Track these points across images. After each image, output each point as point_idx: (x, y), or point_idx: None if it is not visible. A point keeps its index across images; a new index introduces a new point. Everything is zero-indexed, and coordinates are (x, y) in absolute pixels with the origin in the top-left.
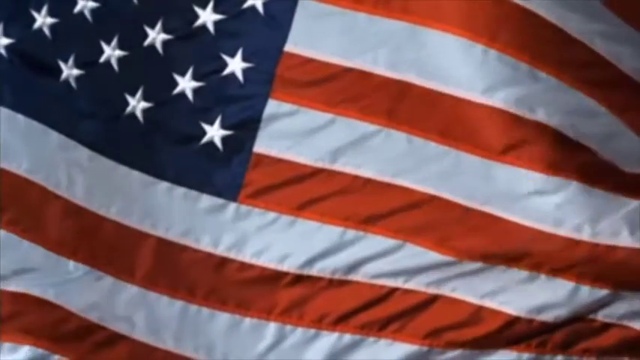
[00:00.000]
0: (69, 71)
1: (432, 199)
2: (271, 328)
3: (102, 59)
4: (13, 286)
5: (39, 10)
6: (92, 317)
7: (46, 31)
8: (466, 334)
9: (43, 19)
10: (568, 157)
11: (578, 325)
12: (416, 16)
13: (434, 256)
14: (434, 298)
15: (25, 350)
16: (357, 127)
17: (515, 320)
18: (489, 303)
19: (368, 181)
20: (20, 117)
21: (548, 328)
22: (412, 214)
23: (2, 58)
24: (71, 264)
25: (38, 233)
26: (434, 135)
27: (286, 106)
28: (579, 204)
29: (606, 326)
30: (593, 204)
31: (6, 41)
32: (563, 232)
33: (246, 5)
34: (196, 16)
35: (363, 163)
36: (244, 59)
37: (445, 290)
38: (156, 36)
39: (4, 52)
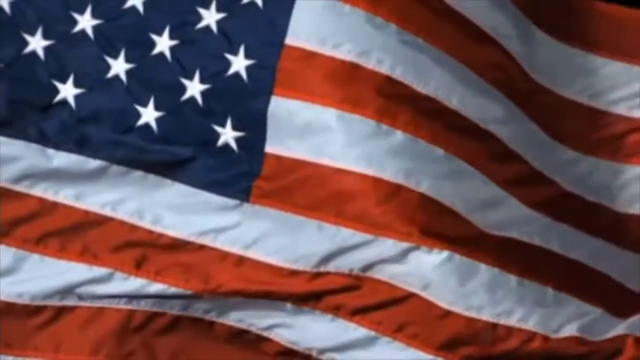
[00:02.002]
0: (66, 91)
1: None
2: (288, 306)
3: (109, 75)
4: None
5: (32, 34)
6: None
7: (40, 53)
8: (482, 350)
9: (37, 43)
10: None
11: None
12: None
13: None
14: (448, 312)
15: None
16: (364, 124)
17: (533, 336)
18: (505, 320)
19: (379, 181)
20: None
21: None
22: (424, 216)
23: None
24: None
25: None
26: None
27: (290, 103)
28: None
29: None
30: None
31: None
32: None
33: (246, 0)
34: (200, 18)
35: (374, 163)
36: (247, 56)
37: (459, 308)
38: (164, 43)
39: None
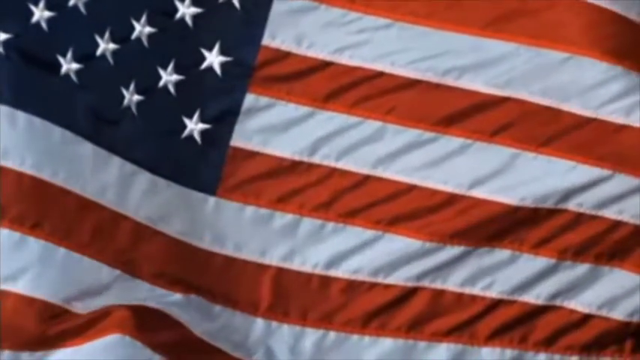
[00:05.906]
0: (68, 65)
1: (412, 188)
2: (259, 323)
3: (98, 53)
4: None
5: (36, 4)
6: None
7: (44, 25)
8: (448, 322)
9: (40, 13)
10: None
11: (558, 318)
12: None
13: (414, 244)
14: (414, 290)
15: None
16: (336, 119)
17: (497, 303)
18: (469, 289)
19: (346, 173)
20: (21, 114)
21: (532, 312)
22: (393, 204)
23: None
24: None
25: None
26: (423, 124)
27: (264, 100)
28: None
29: (587, 318)
30: None
31: (3, 36)
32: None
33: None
34: (176, 9)
35: (341, 156)
36: (223, 53)
37: (425, 282)
38: (142, 29)
39: (0, 48)
